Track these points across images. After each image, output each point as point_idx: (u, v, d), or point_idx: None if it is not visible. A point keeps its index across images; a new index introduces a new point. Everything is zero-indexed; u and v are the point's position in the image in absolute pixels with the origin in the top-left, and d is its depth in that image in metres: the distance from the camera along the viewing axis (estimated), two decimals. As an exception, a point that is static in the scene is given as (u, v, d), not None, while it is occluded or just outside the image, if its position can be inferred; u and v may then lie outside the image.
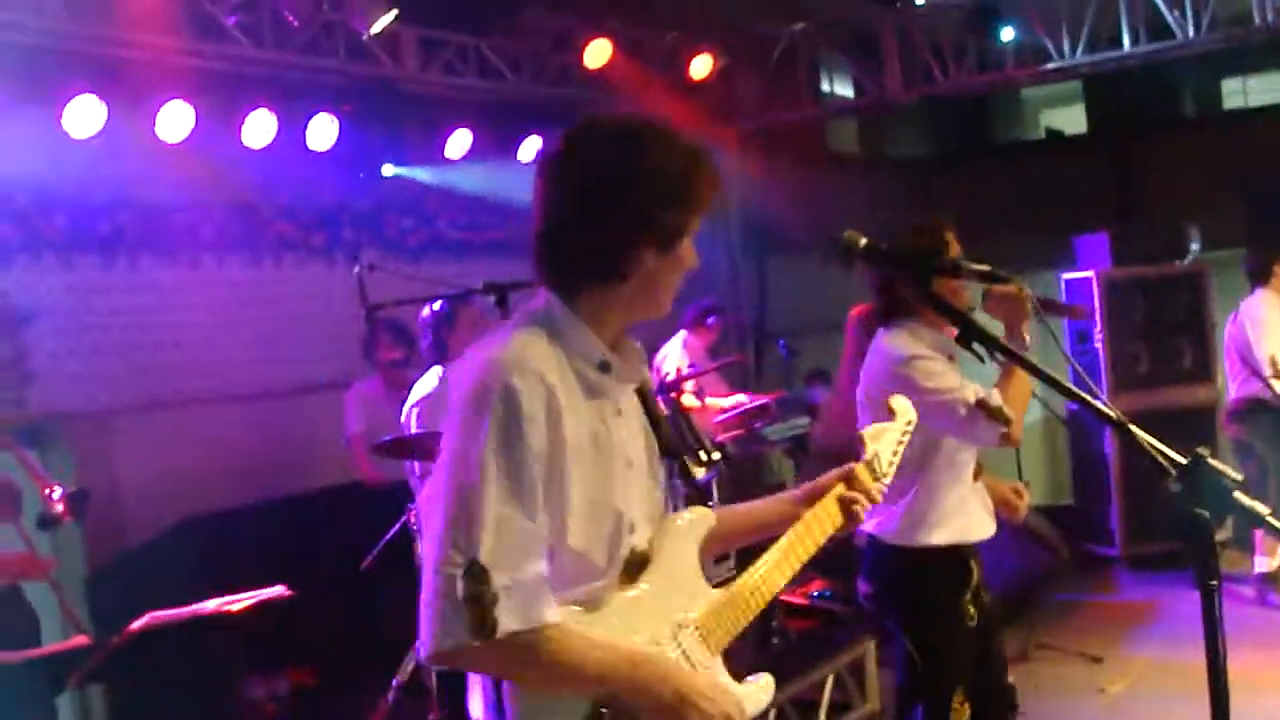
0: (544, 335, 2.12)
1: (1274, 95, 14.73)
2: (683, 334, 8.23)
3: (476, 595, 1.94)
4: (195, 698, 4.73)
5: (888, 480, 2.63)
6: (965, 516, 3.81)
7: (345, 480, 6.80)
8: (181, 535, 6.20)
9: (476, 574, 1.94)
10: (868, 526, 3.71)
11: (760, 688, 2.34)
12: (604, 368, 2.17)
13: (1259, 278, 7.54)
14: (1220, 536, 1.89)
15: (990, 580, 3.93)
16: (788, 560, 2.39)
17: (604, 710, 2.05)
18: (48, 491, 4.28)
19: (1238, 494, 1.88)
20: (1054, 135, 16.89)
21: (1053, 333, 2.63)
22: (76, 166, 6.21)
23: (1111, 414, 2.05)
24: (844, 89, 11.80)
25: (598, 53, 8.24)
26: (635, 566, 2.22)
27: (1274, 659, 6.18)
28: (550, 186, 2.16)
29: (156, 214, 6.78)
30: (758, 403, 7.82)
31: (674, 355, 8.07)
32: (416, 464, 5.67)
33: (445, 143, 7.73)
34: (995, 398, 3.56)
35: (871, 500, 2.52)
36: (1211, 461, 1.89)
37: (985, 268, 2.56)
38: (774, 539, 2.42)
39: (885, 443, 2.66)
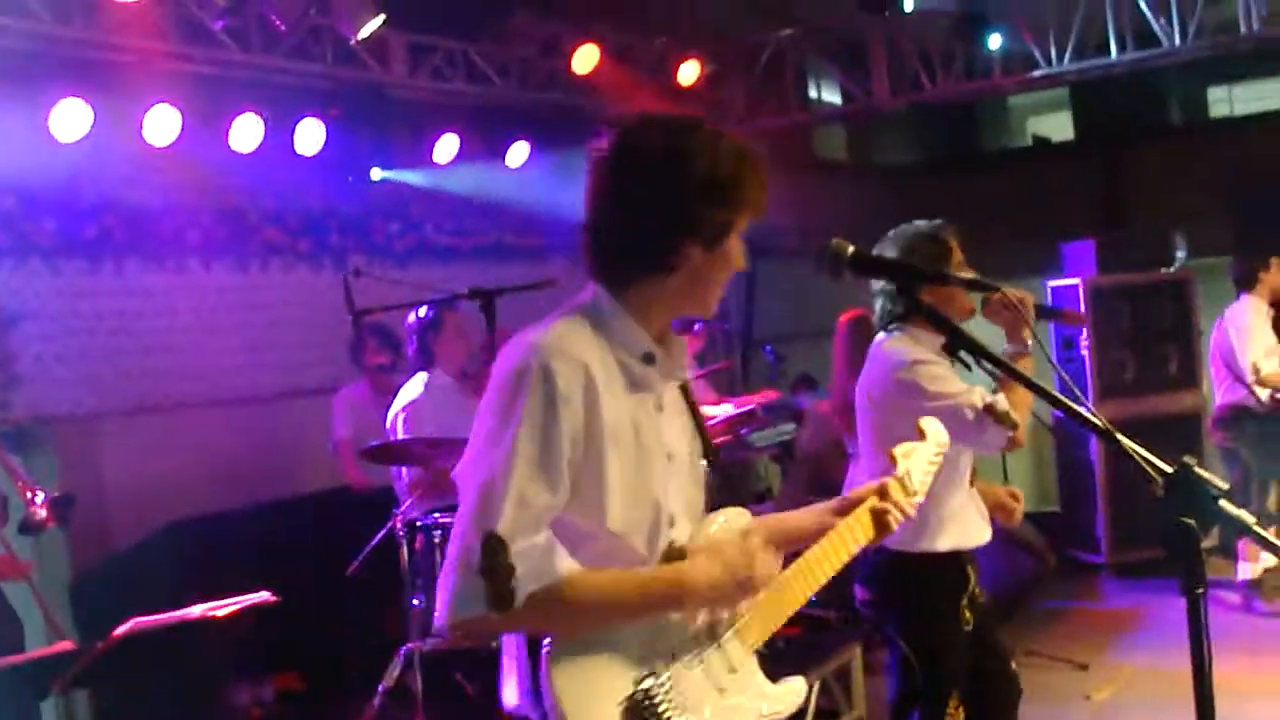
0: (588, 325, 2.17)
1: (1260, 103, 14.75)
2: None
3: (494, 567, 1.97)
4: (181, 703, 4.71)
5: (919, 499, 2.64)
6: (965, 522, 3.82)
7: (332, 485, 6.80)
8: (168, 540, 6.17)
9: (495, 546, 1.98)
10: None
11: (792, 689, 2.39)
12: (648, 359, 2.21)
13: (1245, 284, 7.58)
14: (1206, 544, 1.89)
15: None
16: (821, 568, 2.43)
17: (644, 690, 2.08)
18: (30, 496, 4.26)
19: (1223, 503, 1.88)
20: (1041, 142, 16.90)
21: (1039, 340, 2.64)
22: (63, 170, 6.18)
23: (1098, 422, 2.06)
24: (831, 96, 11.78)
25: (586, 58, 8.23)
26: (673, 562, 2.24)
27: (1259, 665, 6.20)
28: (600, 180, 2.23)
29: (143, 218, 6.75)
30: (746, 407, 7.81)
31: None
32: (403, 469, 5.67)
33: (433, 147, 7.71)
34: (1002, 402, 3.54)
35: (904, 514, 2.54)
36: (1198, 470, 1.90)
37: (972, 276, 2.57)
38: (807, 548, 2.45)
39: (916, 461, 2.67)
